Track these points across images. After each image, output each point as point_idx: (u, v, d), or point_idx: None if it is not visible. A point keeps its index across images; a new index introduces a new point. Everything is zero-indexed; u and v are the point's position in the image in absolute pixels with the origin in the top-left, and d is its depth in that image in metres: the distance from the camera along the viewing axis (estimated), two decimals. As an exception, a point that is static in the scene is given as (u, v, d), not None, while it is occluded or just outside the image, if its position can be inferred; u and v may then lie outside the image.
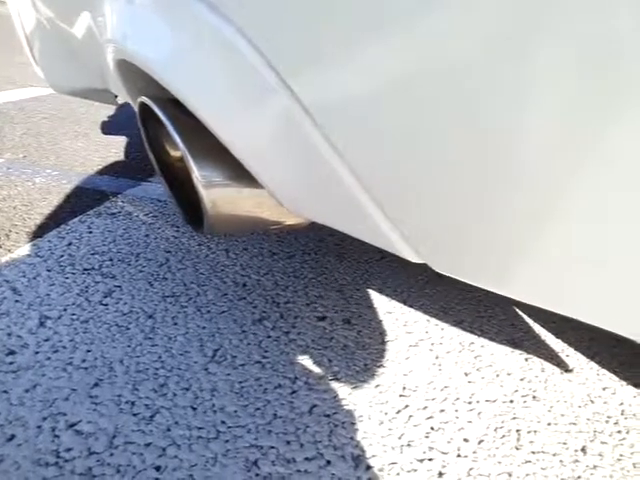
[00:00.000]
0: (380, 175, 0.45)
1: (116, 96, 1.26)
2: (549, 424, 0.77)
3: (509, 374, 0.87)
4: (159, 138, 0.83)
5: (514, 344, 0.95)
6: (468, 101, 0.37)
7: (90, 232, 1.23)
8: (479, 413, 0.78)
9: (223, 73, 0.52)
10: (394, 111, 0.41)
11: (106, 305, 0.95)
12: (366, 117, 0.42)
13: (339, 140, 0.45)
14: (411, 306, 1.05)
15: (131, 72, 0.72)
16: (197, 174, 0.61)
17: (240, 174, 0.61)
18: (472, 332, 0.98)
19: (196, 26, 0.52)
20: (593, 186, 0.36)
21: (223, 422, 0.71)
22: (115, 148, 1.95)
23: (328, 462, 0.67)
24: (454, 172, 0.41)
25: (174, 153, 0.85)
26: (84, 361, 0.80)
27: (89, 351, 0.82)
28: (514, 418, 0.77)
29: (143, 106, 0.71)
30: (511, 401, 0.81)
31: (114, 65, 0.72)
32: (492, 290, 0.47)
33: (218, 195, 0.63)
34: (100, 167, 1.71)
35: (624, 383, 0.88)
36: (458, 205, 0.43)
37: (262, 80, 0.47)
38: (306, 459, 0.67)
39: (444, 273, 0.49)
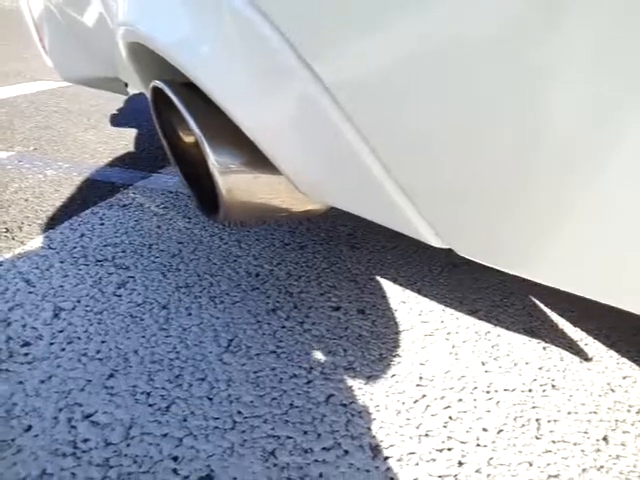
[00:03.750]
0: (404, 158, 0.44)
1: (126, 85, 1.25)
2: (569, 413, 0.76)
3: (527, 363, 0.86)
4: (172, 124, 0.82)
5: (531, 333, 0.94)
6: (496, 82, 0.35)
7: (102, 224, 1.23)
8: (498, 402, 0.77)
9: (241, 54, 0.50)
10: (419, 91, 0.39)
11: (120, 296, 0.94)
12: (390, 98, 0.41)
13: (362, 122, 0.44)
14: (425, 295, 1.04)
15: (143, 56, 0.71)
16: (213, 160, 0.60)
17: (257, 159, 0.59)
18: (488, 321, 0.96)
19: (212, 5, 0.51)
20: (618, 168, 0.34)
21: (239, 412, 0.71)
22: (125, 140, 1.95)
23: (346, 452, 0.66)
24: (478, 155, 0.40)
25: (188, 139, 0.83)
26: (99, 352, 0.80)
27: (104, 342, 0.82)
28: (533, 407, 0.76)
29: (156, 90, 0.70)
30: (530, 390, 0.79)
31: (126, 49, 0.71)
32: (517, 274, 0.46)
33: (234, 181, 0.62)
34: (110, 159, 1.71)
35: (645, 372, 0.86)
36: (483, 189, 0.42)
37: (282, 60, 0.46)
38: (324, 449, 0.67)
39: (468, 258, 0.47)
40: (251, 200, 0.65)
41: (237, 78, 0.52)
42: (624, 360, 0.88)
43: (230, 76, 0.53)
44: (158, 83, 0.66)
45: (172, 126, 0.82)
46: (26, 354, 0.78)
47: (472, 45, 0.35)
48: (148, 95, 0.76)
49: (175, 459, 0.63)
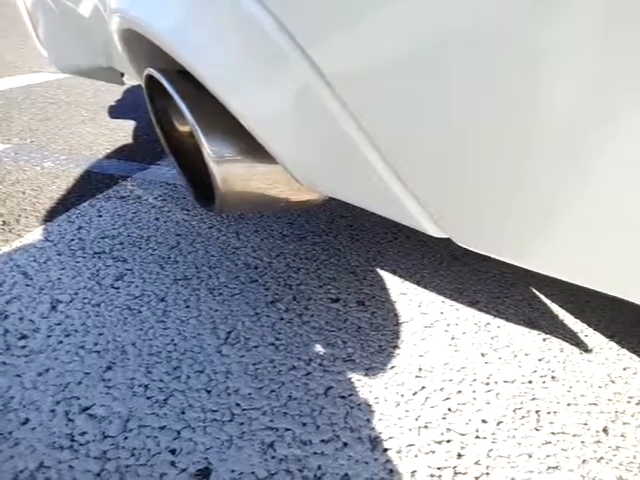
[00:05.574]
0: (402, 148, 0.43)
1: (122, 75, 1.24)
2: (569, 405, 0.75)
3: (527, 354, 0.85)
4: (167, 113, 0.81)
5: (532, 324, 0.93)
6: (490, 69, 0.34)
7: (100, 216, 1.22)
8: (497, 394, 0.76)
9: (236, 41, 0.49)
10: (417, 80, 0.38)
11: (117, 288, 0.94)
12: (389, 87, 0.40)
13: (359, 110, 0.43)
14: (425, 287, 1.03)
15: (137, 43, 0.69)
16: (208, 149, 0.59)
17: (253, 149, 0.58)
18: (488, 312, 0.96)
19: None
20: (618, 156, 0.34)
21: (238, 404, 0.70)
22: (123, 132, 1.94)
23: (345, 444, 0.66)
24: (477, 144, 0.39)
25: (183, 128, 0.82)
26: (96, 345, 0.79)
27: (101, 334, 0.81)
28: (533, 399, 0.76)
29: (150, 79, 0.69)
30: (530, 382, 0.79)
31: (119, 36, 0.70)
32: (516, 264, 0.45)
33: (230, 171, 0.61)
34: (108, 151, 1.70)
35: (645, 363, 0.86)
36: (482, 178, 0.41)
37: (279, 48, 0.45)
38: (322, 441, 0.66)
39: (468, 247, 0.47)
40: (247, 190, 0.64)
41: (232, 66, 0.51)
42: (624, 351, 0.88)
43: (225, 64, 0.51)
44: (152, 71, 0.65)
45: (167, 115, 0.81)
46: (23, 347, 0.77)
47: (470, 33, 0.34)
48: (142, 82, 0.75)
49: (173, 452, 0.63)
